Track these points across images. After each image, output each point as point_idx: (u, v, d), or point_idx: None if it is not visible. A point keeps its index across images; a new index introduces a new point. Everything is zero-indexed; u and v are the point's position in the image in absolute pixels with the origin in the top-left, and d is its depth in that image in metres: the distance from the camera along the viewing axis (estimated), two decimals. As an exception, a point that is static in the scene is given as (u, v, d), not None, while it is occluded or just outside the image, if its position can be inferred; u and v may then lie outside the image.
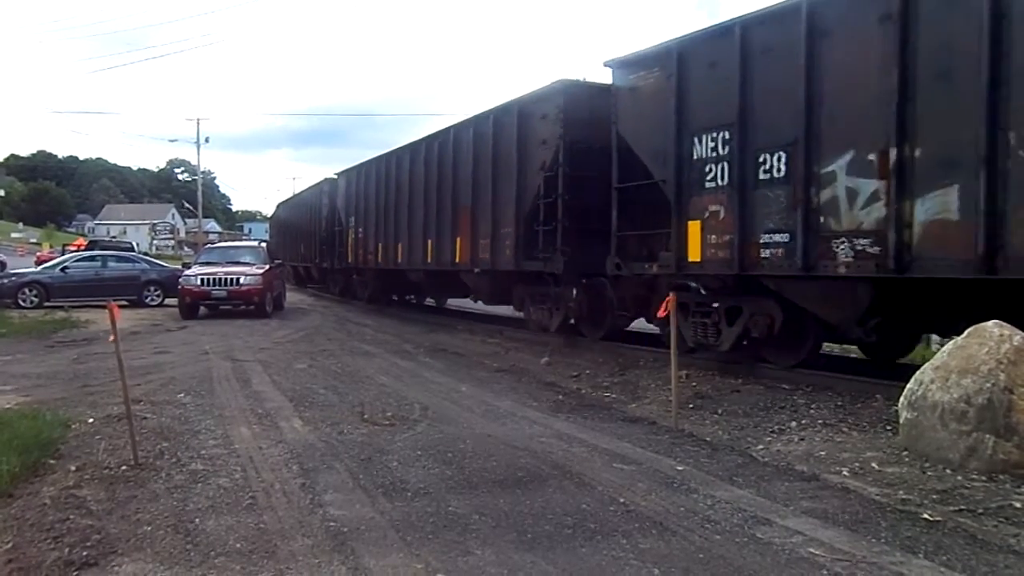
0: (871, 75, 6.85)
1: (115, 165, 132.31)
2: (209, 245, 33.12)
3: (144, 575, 3.62)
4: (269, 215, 54.31)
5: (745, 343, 8.87)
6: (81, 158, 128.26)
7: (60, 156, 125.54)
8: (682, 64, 8.92)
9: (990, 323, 5.45)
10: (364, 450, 5.85)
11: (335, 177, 23.71)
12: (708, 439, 6.32)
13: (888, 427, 6.19)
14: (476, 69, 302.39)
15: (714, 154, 8.51)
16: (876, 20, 6.82)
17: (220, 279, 18.04)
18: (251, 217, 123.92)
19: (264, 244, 23.04)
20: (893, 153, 6.62)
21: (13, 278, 21.33)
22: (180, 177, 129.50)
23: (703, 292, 9.10)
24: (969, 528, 4.14)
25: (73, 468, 5.28)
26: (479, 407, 7.66)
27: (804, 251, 7.45)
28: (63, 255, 27.33)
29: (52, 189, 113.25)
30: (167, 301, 20.79)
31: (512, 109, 12.32)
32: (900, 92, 6.54)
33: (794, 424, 6.64)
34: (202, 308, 18.50)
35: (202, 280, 18.08)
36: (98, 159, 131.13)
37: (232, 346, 12.49)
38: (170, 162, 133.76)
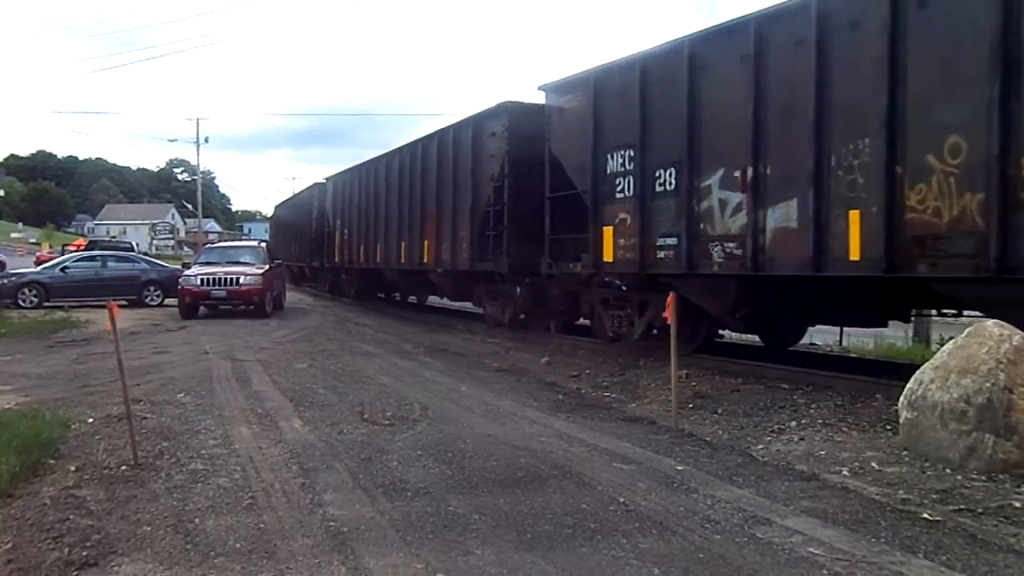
0: (736, 106, 8.19)
1: (115, 165, 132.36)
2: (209, 245, 33.11)
3: (144, 575, 3.62)
4: (269, 215, 54.47)
5: (654, 332, 10.27)
6: (81, 158, 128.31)
7: (60, 156, 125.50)
8: (598, 91, 10.42)
9: (990, 322, 5.45)
10: (364, 450, 5.85)
11: (324, 181, 25.49)
12: (708, 439, 6.32)
13: (888, 427, 6.19)
14: (476, 69, 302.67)
15: (622, 169, 9.97)
16: (738, 60, 8.18)
17: (220, 279, 18.02)
18: (251, 217, 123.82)
19: (264, 244, 23.03)
20: (750, 172, 8.02)
21: (13, 278, 21.30)
22: (180, 177, 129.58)
23: (624, 288, 10.64)
24: (969, 528, 4.15)
25: (73, 468, 5.28)
26: (479, 407, 7.66)
27: (688, 253, 8.87)
28: (63, 255, 27.32)
29: (52, 189, 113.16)
30: (167, 301, 20.76)
31: (468, 125, 13.92)
32: (755, 121, 7.94)
33: (794, 424, 6.65)
34: (202, 308, 18.48)
35: (202, 280, 18.06)
36: (98, 159, 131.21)
37: (232, 346, 12.48)
38: (170, 162, 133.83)
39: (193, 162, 68.09)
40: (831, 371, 8.41)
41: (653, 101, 9.44)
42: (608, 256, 10.23)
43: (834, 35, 7.20)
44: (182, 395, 8.08)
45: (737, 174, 8.23)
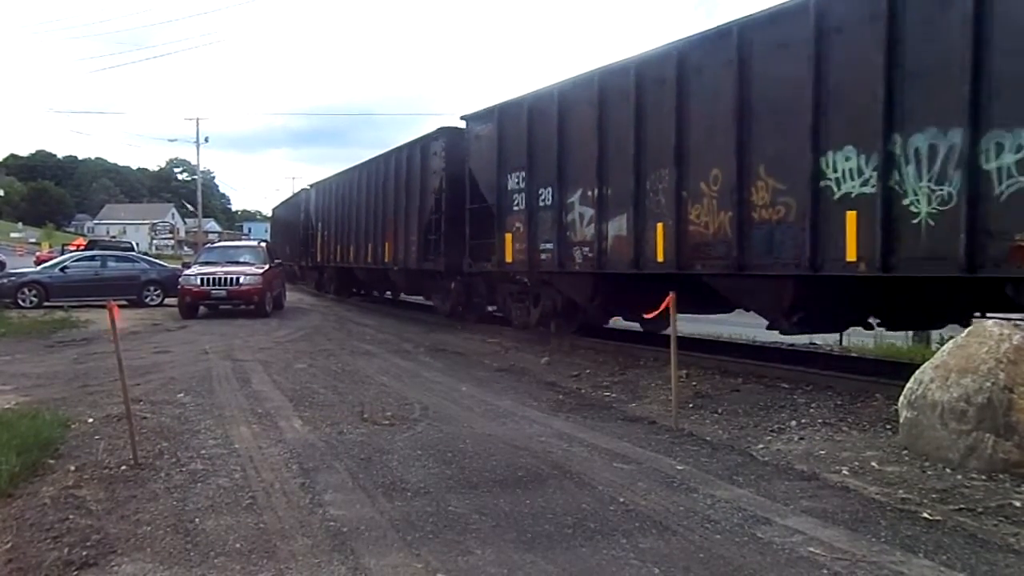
0: (587, 141, 10.68)
1: (115, 165, 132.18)
2: (209, 245, 33.11)
3: (144, 575, 3.62)
4: (268, 215, 54.64)
5: (548, 319, 12.84)
6: (80, 158, 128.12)
7: (59, 156, 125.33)
8: (501, 122, 12.97)
9: (990, 322, 5.46)
10: (364, 450, 5.85)
11: (309, 188, 28.79)
12: (708, 438, 6.32)
13: (888, 426, 6.19)
14: (476, 69, 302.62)
15: (517, 187, 12.47)
16: (588, 105, 10.70)
17: (220, 279, 18.02)
18: (251, 217, 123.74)
19: (264, 244, 23.05)
20: (597, 192, 10.53)
21: (12, 278, 21.30)
22: (180, 177, 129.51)
23: (528, 283, 13.11)
24: (969, 527, 4.15)
25: (73, 468, 5.28)
26: (479, 407, 7.66)
27: (559, 255, 11.40)
28: (62, 255, 27.32)
29: (51, 189, 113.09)
30: (167, 301, 20.77)
31: (417, 144, 16.61)
32: (599, 153, 10.45)
33: (794, 423, 6.65)
34: (202, 308, 18.48)
35: (202, 280, 18.06)
36: (97, 159, 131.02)
37: (232, 346, 12.49)
38: (170, 162, 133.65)
39: (193, 162, 68.05)
40: (831, 371, 8.41)
41: (536, 133, 11.97)
42: (508, 257, 12.81)
43: (647, 90, 9.62)
44: (182, 395, 8.08)
45: (590, 193, 10.69)
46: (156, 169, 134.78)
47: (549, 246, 11.60)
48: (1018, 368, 5.07)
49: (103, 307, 7.20)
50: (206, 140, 67.61)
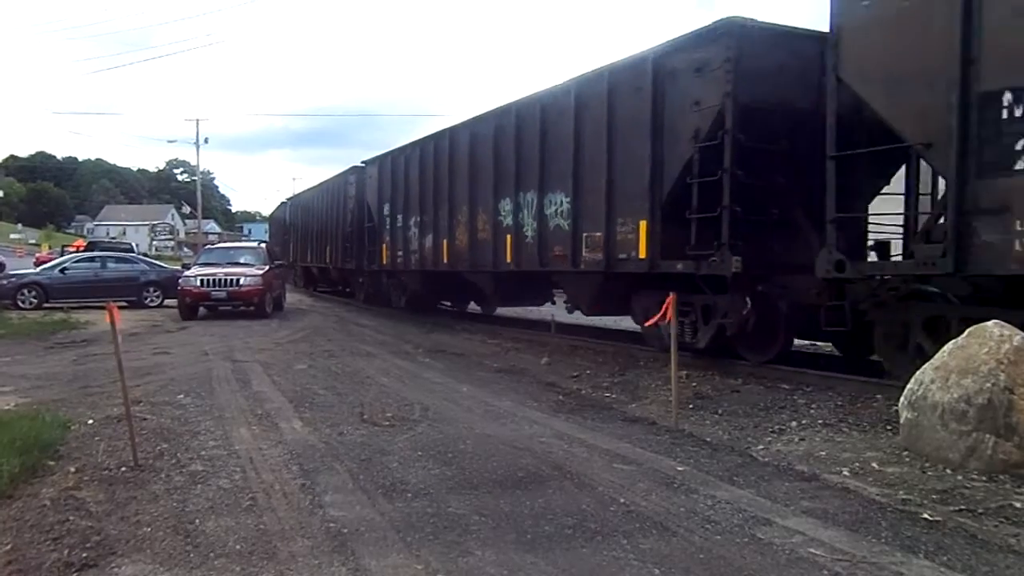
0: (414, 185, 16.75)
1: (114, 166, 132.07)
2: (209, 246, 33.07)
3: (144, 576, 3.62)
4: (268, 216, 54.63)
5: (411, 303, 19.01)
6: (80, 159, 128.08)
7: (59, 157, 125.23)
8: (381, 166, 19.49)
9: (990, 323, 5.45)
10: (364, 451, 5.84)
11: (286, 201, 28.02)
12: (708, 439, 6.32)
13: (888, 427, 6.19)
14: (477, 70, 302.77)
15: (387, 213, 18.95)
16: (416, 162, 16.68)
17: (220, 280, 18.02)
18: (251, 218, 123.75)
19: (264, 245, 23.04)
20: (419, 219, 16.61)
21: (12, 279, 21.29)
22: (179, 178, 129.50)
23: (401, 278, 18.97)
24: (969, 528, 4.14)
25: (73, 469, 5.28)
26: (479, 407, 7.66)
27: (405, 259, 17.65)
28: (62, 256, 27.30)
29: (51, 190, 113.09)
30: (167, 302, 20.78)
31: (342, 177, 16.12)
32: (420, 193, 16.49)
33: (794, 424, 6.65)
34: (202, 309, 18.49)
35: (202, 281, 18.06)
36: (97, 160, 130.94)
37: (232, 347, 12.48)
38: (169, 163, 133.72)
39: (193, 163, 68.04)
40: (831, 372, 8.40)
41: (396, 178, 17.71)
42: (385, 261, 18.62)
43: (433, 161, 15.72)
44: (182, 396, 8.08)
45: (416, 219, 16.51)
46: (156, 170, 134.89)
47: (400, 253, 17.51)
48: (1018, 369, 5.07)
49: (103, 308, 7.19)
50: (206, 141, 67.77)
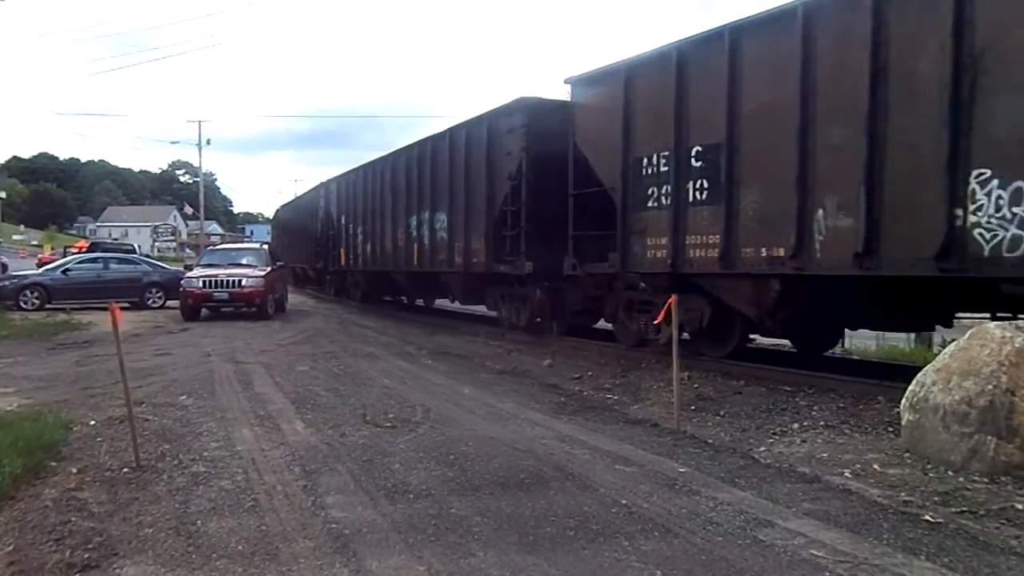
0: (361, 199, 21.47)
1: (117, 167, 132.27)
2: (211, 247, 33.09)
3: (146, 577, 3.62)
4: (270, 217, 54.88)
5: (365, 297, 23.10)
6: (83, 160, 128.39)
7: (62, 158, 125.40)
8: (339, 183, 22.20)
9: (991, 324, 5.45)
10: (366, 452, 5.85)
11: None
12: (710, 441, 6.32)
13: (890, 429, 6.19)
14: (478, 71, 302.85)
15: (344, 222, 22.55)
16: (380, 175, 19.64)
17: (222, 281, 18.04)
18: (253, 219, 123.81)
19: (266, 246, 23.06)
20: (364, 227, 21.01)
21: (14, 280, 21.32)
22: (182, 179, 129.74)
23: (359, 276, 22.39)
24: (971, 530, 4.14)
25: (75, 470, 5.29)
26: (481, 409, 7.66)
27: (357, 260, 21.73)
28: (65, 257, 27.33)
29: (54, 191, 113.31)
30: (169, 303, 20.81)
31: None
32: (364, 204, 21.04)
33: (796, 426, 6.64)
34: (204, 310, 18.50)
35: (204, 282, 18.08)
36: (100, 161, 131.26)
37: (234, 348, 12.49)
38: (172, 164, 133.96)
39: (195, 164, 68.22)
40: (833, 373, 8.40)
41: (349, 191, 21.92)
42: (342, 262, 22.52)
43: (390, 174, 18.53)
44: (184, 397, 8.09)
45: (362, 227, 20.62)
46: (158, 171, 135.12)
47: (351, 256, 21.55)
48: (1020, 371, 5.06)
49: (105, 309, 7.20)
50: (208, 142, 67.30)
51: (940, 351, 6.67)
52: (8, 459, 5.03)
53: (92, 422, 6.80)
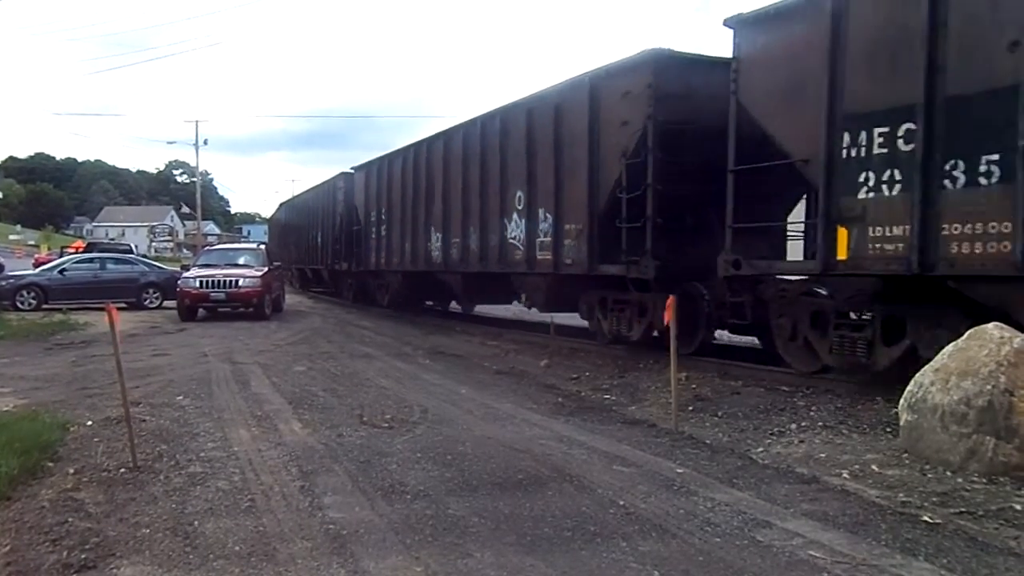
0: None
1: (114, 167, 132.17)
2: (208, 247, 33.05)
3: (143, 578, 3.61)
4: (267, 217, 54.76)
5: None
6: (79, 160, 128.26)
7: (58, 158, 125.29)
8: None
9: (990, 325, 5.45)
10: (363, 452, 5.84)
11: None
12: (708, 441, 6.32)
13: (888, 429, 6.19)
14: (477, 72, 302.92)
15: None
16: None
17: (219, 281, 18.02)
18: (250, 219, 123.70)
19: (263, 246, 23.03)
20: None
21: (11, 280, 21.27)
22: (179, 179, 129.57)
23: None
24: (969, 530, 4.14)
25: (72, 471, 5.27)
26: (479, 409, 7.65)
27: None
28: (61, 257, 27.28)
29: (50, 191, 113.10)
30: (166, 303, 20.78)
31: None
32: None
33: (794, 426, 6.64)
34: (201, 310, 18.48)
35: (201, 282, 18.05)
36: (97, 161, 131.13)
37: (231, 348, 12.47)
38: (169, 164, 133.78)
39: (192, 164, 68.11)
40: (831, 374, 8.38)
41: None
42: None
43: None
44: (181, 397, 8.07)
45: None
46: (155, 171, 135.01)
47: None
48: (1018, 371, 5.07)
49: (102, 309, 7.19)
50: (205, 142, 67.90)
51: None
52: (4, 460, 5.02)
53: (89, 422, 6.78)
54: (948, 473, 5.09)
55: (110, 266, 22.11)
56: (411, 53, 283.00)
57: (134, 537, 4.08)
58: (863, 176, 6.92)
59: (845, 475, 5.23)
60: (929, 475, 5.11)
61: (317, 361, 11.05)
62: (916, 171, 6.42)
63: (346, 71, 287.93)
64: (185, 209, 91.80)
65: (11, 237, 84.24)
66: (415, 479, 5.14)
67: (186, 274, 19.10)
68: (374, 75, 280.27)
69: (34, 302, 20.04)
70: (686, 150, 9.13)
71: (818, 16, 7.30)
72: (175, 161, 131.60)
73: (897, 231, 6.63)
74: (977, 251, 6.02)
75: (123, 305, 19.47)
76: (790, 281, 8.48)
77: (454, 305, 18.98)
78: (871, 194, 6.85)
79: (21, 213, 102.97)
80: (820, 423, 6.65)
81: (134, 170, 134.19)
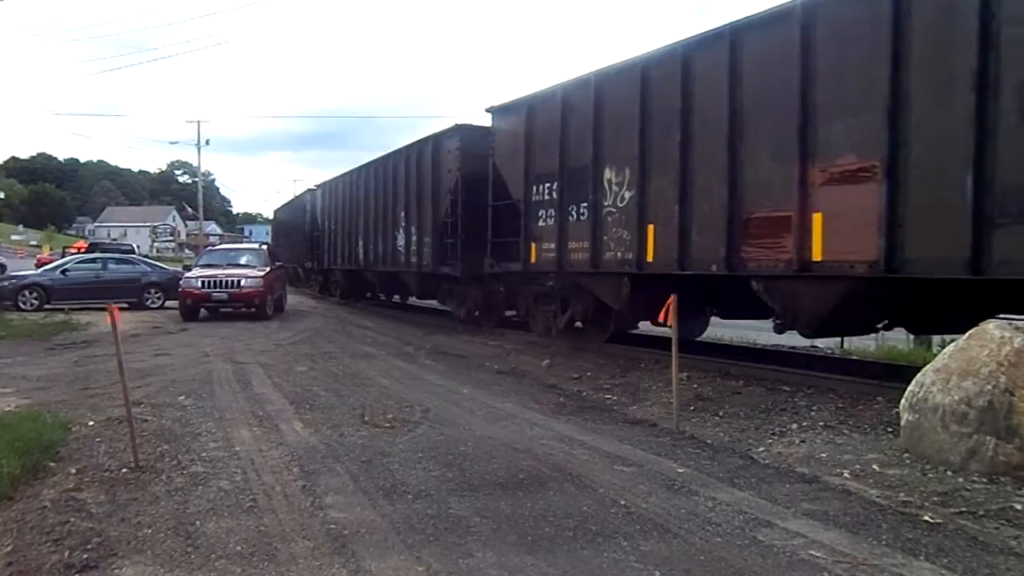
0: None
1: (116, 167, 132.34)
2: (210, 247, 33.06)
3: (145, 578, 3.62)
4: (269, 217, 55.11)
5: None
6: (82, 160, 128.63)
7: (60, 158, 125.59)
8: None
9: (991, 325, 5.45)
10: (365, 452, 5.85)
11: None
12: (709, 441, 6.32)
13: (889, 429, 6.19)
14: (477, 72, 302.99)
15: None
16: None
17: (221, 281, 18.02)
18: (251, 219, 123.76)
19: (265, 246, 23.05)
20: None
21: (13, 280, 21.30)
22: (181, 179, 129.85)
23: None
24: (970, 530, 4.14)
25: (73, 471, 5.28)
26: (480, 409, 7.66)
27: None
28: (63, 257, 27.32)
29: (52, 191, 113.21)
30: (167, 303, 20.79)
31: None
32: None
33: (795, 426, 6.64)
34: (203, 310, 18.49)
35: (203, 282, 18.06)
36: (99, 161, 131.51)
37: (233, 348, 12.49)
38: (171, 164, 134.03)
39: (194, 164, 68.21)
40: (832, 373, 8.41)
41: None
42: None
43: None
44: (183, 397, 8.08)
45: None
46: (157, 172, 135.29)
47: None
48: (1019, 371, 5.06)
49: (104, 310, 7.20)
50: (207, 143, 67.27)
51: (939, 351, 6.68)
52: (6, 460, 5.02)
53: (91, 422, 6.79)
54: (949, 473, 5.09)
55: (112, 266, 22.11)
56: (412, 53, 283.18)
57: (136, 537, 4.09)
58: (540, 212, 11.86)
59: (846, 475, 5.23)
60: (930, 475, 5.11)
61: (319, 361, 11.07)
62: (557, 210, 11.37)
63: (347, 71, 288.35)
64: (187, 209, 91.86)
65: (13, 237, 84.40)
66: (416, 479, 5.15)
67: (188, 274, 19.10)
68: (375, 75, 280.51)
69: (36, 302, 20.05)
70: (478, 192, 13.78)
71: (521, 112, 12.30)
72: (177, 161, 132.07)
73: (552, 245, 11.47)
74: (581, 258, 10.86)
75: (125, 305, 19.50)
76: (518, 274, 12.90)
77: (413, 300, 21.67)
78: (543, 223, 11.79)
79: (23, 213, 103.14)
80: (821, 423, 6.65)
81: (136, 170, 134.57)
